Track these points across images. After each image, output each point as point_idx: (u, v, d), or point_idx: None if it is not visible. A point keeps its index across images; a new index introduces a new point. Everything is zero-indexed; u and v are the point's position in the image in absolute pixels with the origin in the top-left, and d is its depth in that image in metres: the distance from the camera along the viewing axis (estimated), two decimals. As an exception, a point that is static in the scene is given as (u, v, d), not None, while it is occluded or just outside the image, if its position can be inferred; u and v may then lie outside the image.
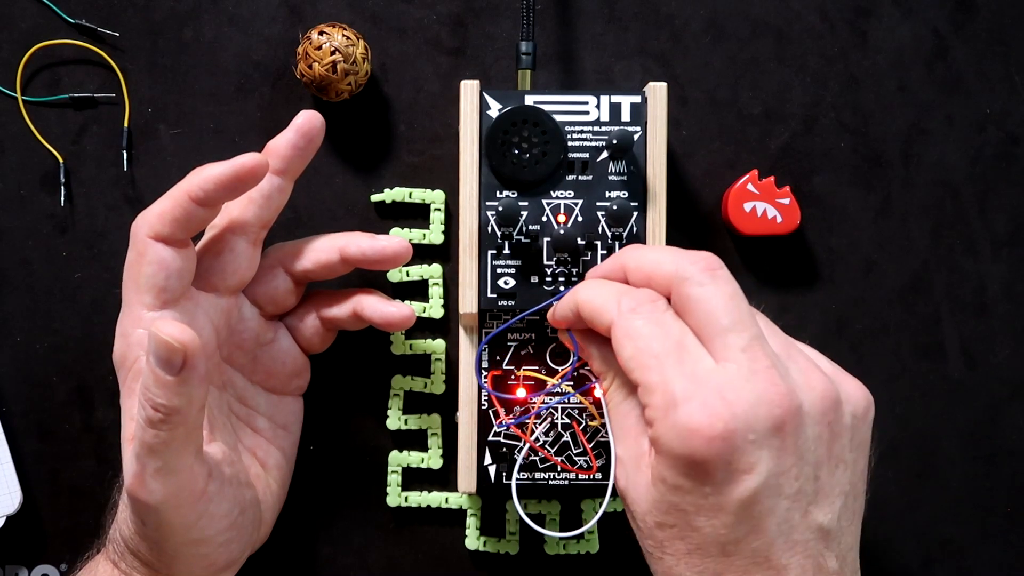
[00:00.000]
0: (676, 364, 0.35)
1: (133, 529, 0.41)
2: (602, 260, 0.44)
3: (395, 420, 0.49)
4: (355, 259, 0.44)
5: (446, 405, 0.50)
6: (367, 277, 0.49)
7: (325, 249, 0.45)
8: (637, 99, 0.45)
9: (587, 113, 0.45)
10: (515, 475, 0.45)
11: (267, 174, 0.43)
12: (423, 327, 0.50)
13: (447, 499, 0.49)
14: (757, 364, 0.35)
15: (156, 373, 0.37)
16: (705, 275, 0.36)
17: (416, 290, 0.50)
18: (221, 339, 0.44)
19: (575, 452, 0.46)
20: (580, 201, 0.44)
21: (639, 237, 0.44)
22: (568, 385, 0.46)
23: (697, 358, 0.35)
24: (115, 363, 0.42)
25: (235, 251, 0.43)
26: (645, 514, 0.36)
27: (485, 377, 0.46)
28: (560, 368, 0.46)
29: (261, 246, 0.45)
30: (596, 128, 0.45)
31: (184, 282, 0.42)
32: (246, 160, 0.40)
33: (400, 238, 0.45)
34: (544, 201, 0.45)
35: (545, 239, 0.44)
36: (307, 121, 0.43)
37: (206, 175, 0.40)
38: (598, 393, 0.45)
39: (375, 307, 0.45)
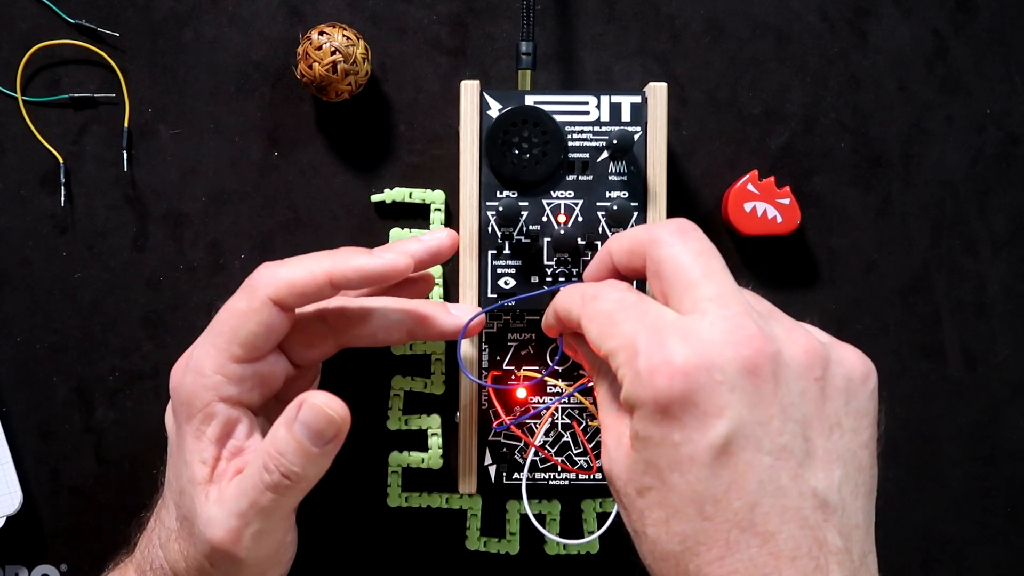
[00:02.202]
0: (637, 321, 0.34)
1: (193, 566, 0.40)
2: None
3: (395, 420, 0.49)
4: (424, 338, 0.44)
5: (446, 405, 0.50)
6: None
7: (394, 331, 0.43)
8: (637, 99, 0.45)
9: (587, 113, 0.45)
10: (524, 476, 0.45)
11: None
12: (423, 327, 0.50)
13: (447, 499, 0.49)
14: (727, 311, 0.33)
15: (300, 443, 0.37)
16: (675, 236, 0.35)
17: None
18: (279, 389, 0.44)
19: (575, 452, 0.46)
20: (580, 201, 0.44)
21: (639, 237, 0.44)
22: (567, 384, 0.46)
23: (659, 313, 0.34)
24: (179, 396, 0.40)
25: (309, 330, 0.43)
26: (626, 484, 0.34)
27: (486, 377, 0.46)
28: (561, 368, 0.46)
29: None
30: (596, 128, 0.45)
31: (276, 343, 0.41)
32: (398, 262, 0.40)
33: (461, 319, 0.43)
34: (544, 201, 0.44)
35: (545, 239, 0.44)
36: (445, 244, 0.44)
37: (355, 266, 0.40)
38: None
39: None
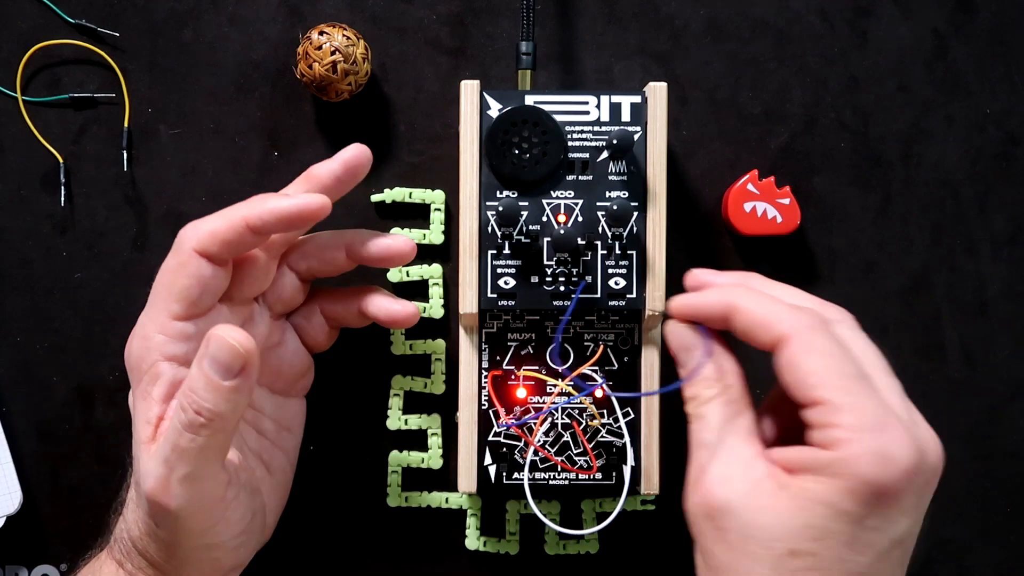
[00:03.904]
0: (867, 389, 0.35)
1: (144, 530, 0.41)
2: (602, 260, 0.44)
3: (395, 420, 0.49)
4: (360, 256, 0.45)
5: (446, 405, 0.50)
6: (368, 275, 0.49)
7: (331, 247, 0.45)
8: (637, 99, 0.45)
9: (587, 113, 0.45)
10: (526, 475, 0.45)
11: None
12: (423, 327, 0.50)
13: (447, 499, 0.49)
14: (915, 415, 0.36)
15: (209, 377, 0.37)
16: (852, 323, 0.38)
17: (416, 290, 0.50)
18: None
19: (575, 452, 0.46)
20: (580, 201, 0.44)
21: (639, 237, 0.44)
22: (569, 386, 0.46)
23: (881, 388, 0.35)
24: (129, 364, 0.41)
25: (256, 265, 0.43)
26: (775, 540, 0.34)
27: (485, 377, 0.46)
28: (560, 368, 0.46)
29: (278, 259, 0.45)
30: (596, 128, 0.45)
31: (215, 298, 0.42)
32: (311, 202, 0.41)
33: (406, 238, 0.45)
34: (544, 201, 0.44)
35: (545, 239, 0.44)
36: (355, 156, 0.43)
37: (270, 207, 0.40)
38: (599, 394, 0.46)
39: (380, 305, 0.45)
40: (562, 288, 0.44)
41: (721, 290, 0.39)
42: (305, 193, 0.41)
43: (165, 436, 0.38)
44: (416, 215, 0.50)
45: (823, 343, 0.35)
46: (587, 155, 0.45)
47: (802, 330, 0.36)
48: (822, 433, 0.34)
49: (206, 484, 0.39)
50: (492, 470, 0.46)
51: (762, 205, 0.49)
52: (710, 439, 0.37)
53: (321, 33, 0.46)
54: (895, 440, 0.34)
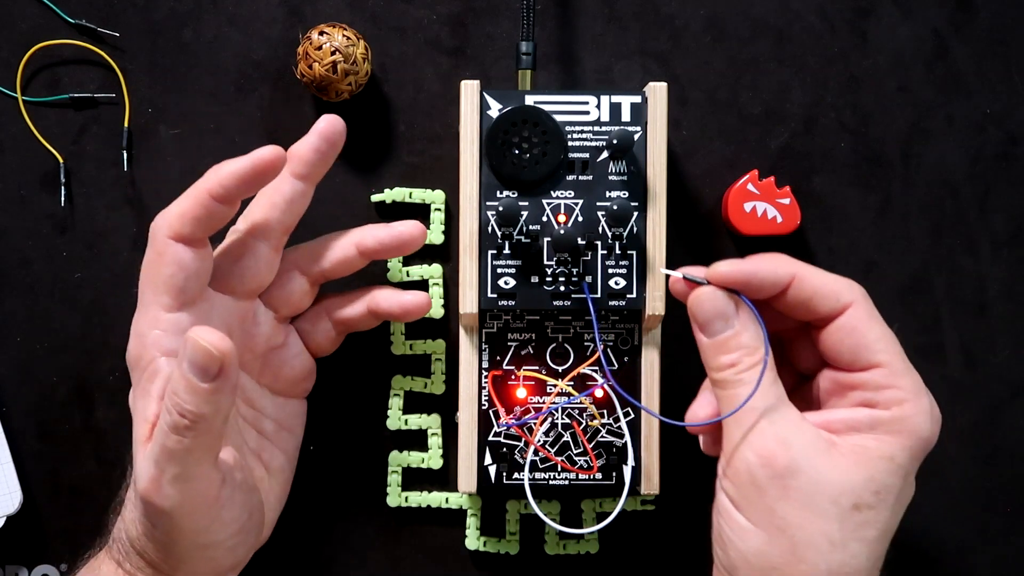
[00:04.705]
0: (906, 357, 0.39)
1: (141, 531, 0.41)
2: (602, 260, 0.44)
3: (395, 420, 0.49)
4: (373, 250, 0.45)
5: (446, 405, 0.50)
6: (371, 277, 0.49)
7: (341, 247, 0.45)
8: (637, 99, 0.45)
9: (587, 113, 0.45)
10: (526, 474, 0.45)
11: (289, 178, 0.43)
12: (423, 327, 0.50)
13: (447, 499, 0.49)
14: None
15: (189, 380, 0.37)
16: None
17: (417, 290, 0.50)
18: (235, 342, 0.44)
19: (575, 452, 0.46)
20: (580, 201, 0.44)
21: (639, 237, 0.44)
22: (569, 386, 0.46)
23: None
24: (129, 363, 0.42)
25: (256, 255, 0.43)
26: (841, 495, 0.37)
27: (485, 377, 0.46)
28: (560, 368, 0.46)
29: (281, 251, 0.45)
30: (596, 128, 0.45)
31: (201, 283, 0.42)
32: (264, 154, 0.41)
33: (414, 221, 0.45)
34: (544, 201, 0.44)
35: (545, 239, 0.44)
36: (329, 125, 0.43)
37: (225, 171, 0.40)
38: (599, 394, 0.46)
39: (391, 299, 0.45)
40: (562, 288, 0.44)
41: (777, 258, 0.40)
42: (258, 150, 0.41)
43: (155, 438, 0.38)
44: (416, 215, 0.50)
45: (876, 312, 0.39)
46: (587, 155, 0.45)
47: (862, 299, 0.39)
48: (881, 394, 0.38)
49: (198, 484, 0.39)
50: (492, 470, 0.46)
51: (762, 205, 0.49)
52: (756, 404, 0.38)
53: (321, 33, 0.46)
54: (934, 403, 0.38)
